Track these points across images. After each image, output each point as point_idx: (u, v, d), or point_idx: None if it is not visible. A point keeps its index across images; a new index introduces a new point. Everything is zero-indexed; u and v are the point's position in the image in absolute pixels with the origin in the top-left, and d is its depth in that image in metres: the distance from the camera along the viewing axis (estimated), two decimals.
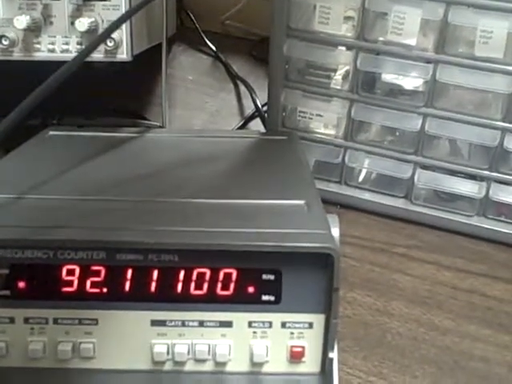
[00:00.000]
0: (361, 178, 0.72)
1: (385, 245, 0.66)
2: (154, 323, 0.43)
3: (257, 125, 0.83)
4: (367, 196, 0.71)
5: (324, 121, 0.70)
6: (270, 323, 0.43)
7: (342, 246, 0.45)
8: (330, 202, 0.69)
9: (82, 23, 0.61)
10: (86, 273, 0.42)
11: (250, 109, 0.86)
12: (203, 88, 0.91)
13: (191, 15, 1.01)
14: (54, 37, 0.63)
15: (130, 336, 0.44)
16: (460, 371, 0.52)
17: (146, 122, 0.80)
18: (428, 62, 0.62)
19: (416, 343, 0.55)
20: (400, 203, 0.70)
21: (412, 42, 0.62)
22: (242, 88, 0.90)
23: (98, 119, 0.77)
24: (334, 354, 0.44)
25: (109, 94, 0.83)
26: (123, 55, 0.63)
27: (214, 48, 0.97)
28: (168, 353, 0.44)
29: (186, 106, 0.87)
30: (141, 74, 0.81)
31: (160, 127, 0.76)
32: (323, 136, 0.70)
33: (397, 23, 0.61)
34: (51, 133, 0.66)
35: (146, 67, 0.76)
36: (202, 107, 0.88)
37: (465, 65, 0.61)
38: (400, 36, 0.62)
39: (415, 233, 0.68)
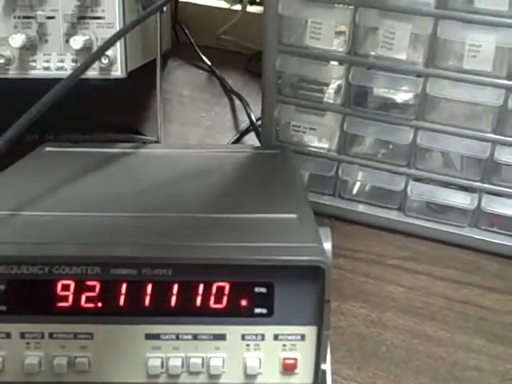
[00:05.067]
0: (354, 191, 0.72)
1: (379, 256, 0.67)
2: (149, 337, 0.44)
3: (252, 139, 0.84)
4: (361, 208, 0.71)
5: (317, 134, 0.70)
6: (263, 336, 0.44)
7: (336, 258, 0.46)
8: (324, 215, 0.70)
9: (77, 41, 0.62)
10: (80, 288, 0.43)
11: (244, 123, 0.87)
12: (198, 103, 0.92)
13: (186, 30, 1.02)
14: (50, 55, 0.63)
15: (125, 350, 0.44)
16: (454, 381, 0.53)
17: (142, 137, 0.81)
18: (418, 75, 0.63)
19: (410, 354, 0.55)
20: (393, 215, 0.70)
21: (402, 56, 0.63)
22: (237, 102, 0.91)
23: (94, 135, 0.77)
24: (326, 366, 0.44)
25: (104, 110, 0.83)
26: (117, 72, 0.64)
27: (208, 63, 0.98)
28: (162, 366, 0.44)
29: (181, 120, 0.88)
30: (136, 89, 0.81)
31: (155, 142, 0.76)
32: (317, 149, 0.71)
33: (387, 38, 0.62)
34: (47, 149, 0.67)
35: (141, 83, 0.77)
36: (197, 122, 0.88)
37: (454, 78, 0.62)
38: (390, 50, 0.62)
39: (409, 244, 0.69)
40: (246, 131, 0.86)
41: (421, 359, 0.55)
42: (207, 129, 0.87)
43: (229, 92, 0.94)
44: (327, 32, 0.64)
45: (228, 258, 0.42)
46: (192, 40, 1.01)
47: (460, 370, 0.54)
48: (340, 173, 0.70)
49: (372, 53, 0.64)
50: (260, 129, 0.75)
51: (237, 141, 0.84)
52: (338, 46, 0.65)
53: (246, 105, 0.88)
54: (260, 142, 0.77)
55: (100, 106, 0.82)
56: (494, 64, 0.59)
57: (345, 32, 0.64)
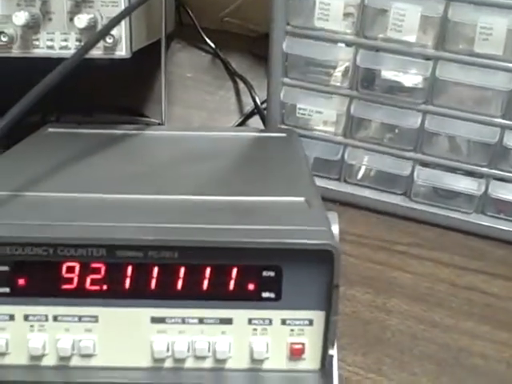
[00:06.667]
0: (360, 175, 0.72)
1: (384, 242, 0.66)
2: (154, 320, 0.43)
3: (256, 122, 0.83)
4: (366, 193, 0.71)
5: (323, 118, 0.70)
6: (270, 320, 0.43)
7: (341, 244, 0.45)
8: (330, 200, 0.69)
9: (81, 20, 0.61)
10: (85, 270, 0.42)
11: (249, 106, 0.86)
12: (202, 85, 0.91)
13: (190, 12, 1.01)
14: (53, 33, 0.62)
15: (130, 333, 0.44)
16: (459, 368, 0.53)
17: (145, 119, 0.80)
18: (428, 58, 0.62)
19: (415, 340, 0.55)
20: (399, 200, 0.70)
21: (412, 38, 0.62)
22: (241, 85, 0.90)
23: (97, 116, 0.77)
24: (333, 351, 0.44)
25: (108, 90, 0.83)
26: (122, 52, 0.63)
27: (212, 45, 0.97)
28: (168, 350, 0.44)
29: (185, 103, 0.87)
30: (140, 70, 0.81)
31: (159, 124, 0.76)
32: (323, 133, 0.70)
33: (397, 20, 0.61)
34: (50, 130, 0.66)
35: (145, 64, 0.76)
36: (201, 104, 0.88)
37: (464, 62, 0.61)
38: (400, 33, 0.62)
39: (415, 230, 0.68)
40: (251, 114, 0.85)
41: (426, 345, 0.54)
42: (211, 112, 0.87)
43: (233, 75, 0.93)
44: (335, 13, 0.63)
45: (235, 241, 0.42)
46: (196, 22, 1.00)
47: (465, 357, 0.54)
48: (346, 157, 0.70)
49: (381, 35, 0.63)
50: (265, 112, 0.74)
51: (241, 124, 0.84)
52: (346, 27, 0.64)
53: (250, 88, 0.87)
54: (264, 125, 0.77)
55: (103, 86, 0.81)
56: (505, 47, 0.58)
57: (353, 14, 0.63)
